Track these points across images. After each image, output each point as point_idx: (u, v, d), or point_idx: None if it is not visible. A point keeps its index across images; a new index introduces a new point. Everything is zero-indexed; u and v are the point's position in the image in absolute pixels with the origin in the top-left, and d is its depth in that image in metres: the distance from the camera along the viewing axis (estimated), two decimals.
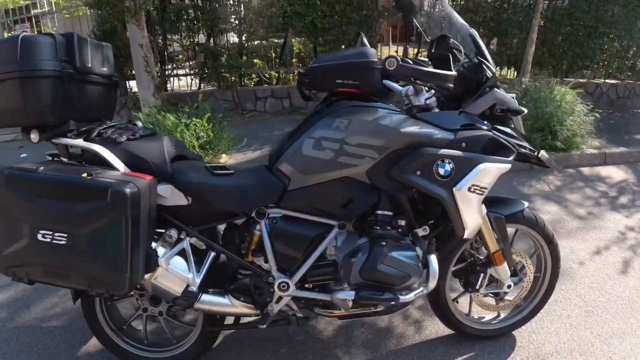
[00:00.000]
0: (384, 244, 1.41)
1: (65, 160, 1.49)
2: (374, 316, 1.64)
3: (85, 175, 1.30)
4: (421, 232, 1.54)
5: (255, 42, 5.27)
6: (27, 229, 1.32)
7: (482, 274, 1.67)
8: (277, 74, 5.68)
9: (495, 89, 1.45)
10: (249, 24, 4.73)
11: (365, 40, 1.72)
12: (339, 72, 1.39)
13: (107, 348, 1.73)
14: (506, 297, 1.76)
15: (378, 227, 1.43)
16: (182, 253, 1.52)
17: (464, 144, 1.39)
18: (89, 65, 1.47)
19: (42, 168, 1.35)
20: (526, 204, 1.69)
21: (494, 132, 1.43)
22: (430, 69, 1.36)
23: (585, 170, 3.65)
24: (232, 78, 5.23)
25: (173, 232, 1.52)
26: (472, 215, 1.43)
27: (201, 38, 5.11)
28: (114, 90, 1.69)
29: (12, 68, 1.30)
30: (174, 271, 1.48)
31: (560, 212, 2.95)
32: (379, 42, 5.64)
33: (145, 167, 1.44)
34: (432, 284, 1.46)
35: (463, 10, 5.21)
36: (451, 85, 1.39)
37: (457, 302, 1.80)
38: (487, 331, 1.81)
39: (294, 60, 5.77)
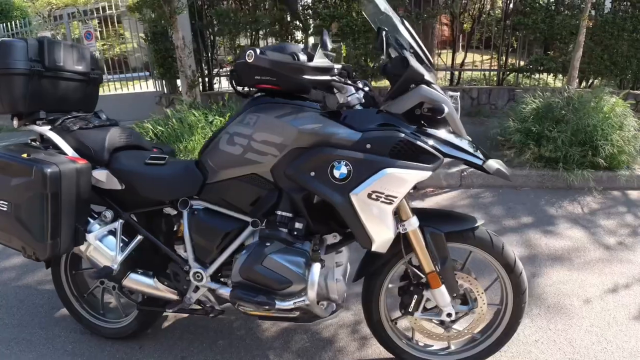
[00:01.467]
0: (268, 244, 1.31)
1: (36, 144, 1.62)
2: (290, 321, 1.50)
3: (24, 155, 1.41)
4: (330, 239, 1.38)
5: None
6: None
7: (415, 296, 1.44)
8: None
9: (423, 85, 1.23)
10: (285, 26, 4.75)
11: (326, 38, 1.63)
12: (255, 69, 1.29)
13: (68, 311, 1.87)
14: (454, 327, 1.50)
15: (269, 228, 1.32)
16: (113, 232, 1.57)
17: (368, 145, 1.21)
18: (61, 63, 1.61)
19: None
20: (481, 222, 1.42)
21: (410, 134, 1.22)
22: (280, 59, 1.19)
23: (634, 193, 3.02)
24: None
25: (108, 213, 1.59)
26: (378, 226, 1.23)
27: (246, 41, 5.26)
28: (94, 85, 1.81)
29: None
30: (101, 247, 1.54)
31: (583, 238, 2.47)
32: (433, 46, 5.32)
33: (86, 152, 1.55)
34: (312, 294, 1.30)
35: (512, 11, 4.67)
36: (308, 77, 1.21)
37: (396, 323, 1.57)
38: None
39: None
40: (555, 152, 3.01)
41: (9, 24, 6.75)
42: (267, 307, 1.30)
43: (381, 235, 1.25)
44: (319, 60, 1.17)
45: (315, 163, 1.24)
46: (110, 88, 6.38)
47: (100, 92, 1.88)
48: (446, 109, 1.19)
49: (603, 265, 2.20)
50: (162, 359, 1.72)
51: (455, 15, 5.11)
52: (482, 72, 5.46)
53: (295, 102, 1.34)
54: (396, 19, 1.31)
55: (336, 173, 1.22)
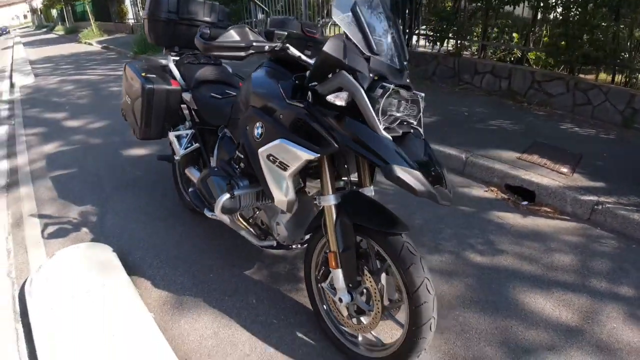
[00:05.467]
0: (216, 169, 1.67)
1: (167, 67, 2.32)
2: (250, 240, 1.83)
3: (143, 74, 2.14)
4: None
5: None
6: (125, 93, 2.32)
7: (324, 267, 1.47)
8: (536, 54, 4.68)
9: (343, 72, 1.15)
10: None
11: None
12: None
13: (177, 192, 2.68)
14: (362, 319, 1.47)
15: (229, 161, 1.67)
16: (185, 136, 2.19)
17: (281, 116, 1.30)
18: (192, 15, 2.23)
19: (138, 64, 2.27)
20: (405, 231, 1.27)
21: (310, 115, 1.20)
22: (197, 39, 1.28)
23: None
24: (458, 44, 4.84)
25: (188, 123, 2.21)
26: (274, 185, 1.37)
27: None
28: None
29: (146, 14, 2.23)
30: (174, 142, 2.20)
31: None
32: None
33: (184, 79, 2.18)
34: (217, 212, 1.57)
35: None
36: (215, 53, 1.28)
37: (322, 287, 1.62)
38: (337, 341, 1.57)
39: (515, 36, 4.60)
40: None
41: None
42: (198, 209, 1.67)
43: (277, 195, 1.37)
44: (223, 40, 1.26)
45: (249, 121, 1.44)
46: None
47: None
48: (339, 97, 1.12)
49: None
50: (191, 231, 2.36)
51: None
52: None
53: (274, 66, 1.49)
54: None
55: (256, 132, 1.38)
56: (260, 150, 1.36)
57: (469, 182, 3.03)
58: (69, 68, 8.81)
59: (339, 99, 1.14)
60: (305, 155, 1.23)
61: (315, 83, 1.27)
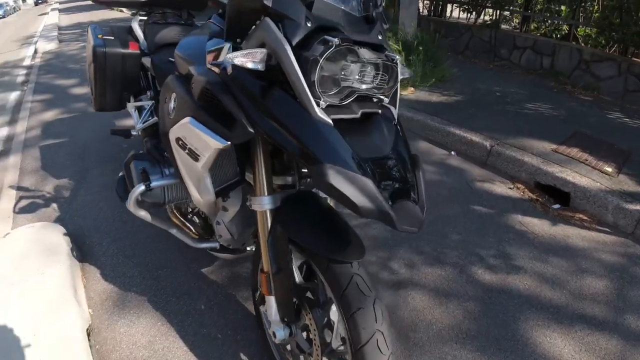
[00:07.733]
0: (142, 153, 1.41)
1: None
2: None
3: (100, 35, 1.82)
4: None
5: None
6: (87, 58, 1.99)
7: (259, 291, 1.13)
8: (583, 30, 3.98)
9: (267, 19, 0.75)
10: None
11: None
12: None
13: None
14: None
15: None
16: (147, 107, 1.88)
17: (193, 85, 0.92)
18: None
19: (103, 26, 1.96)
20: (359, 258, 0.89)
21: (219, 83, 0.82)
22: None
23: None
24: (496, 15, 4.17)
25: (150, 92, 1.89)
26: (187, 179, 1.01)
27: None
28: None
29: None
30: (133, 114, 1.89)
31: None
32: None
33: (147, 42, 1.85)
34: (129, 204, 1.31)
35: None
36: None
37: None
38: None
39: (564, 9, 3.85)
40: None
41: None
42: (120, 198, 1.39)
43: (192, 192, 1.03)
44: None
45: (165, 91, 1.10)
46: None
47: None
48: (250, 56, 0.73)
49: None
50: None
51: None
52: None
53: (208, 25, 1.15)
54: None
55: (170, 106, 1.03)
56: (171, 130, 1.01)
57: (492, 176, 2.55)
58: None
59: (250, 59, 0.76)
60: (212, 142, 0.86)
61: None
